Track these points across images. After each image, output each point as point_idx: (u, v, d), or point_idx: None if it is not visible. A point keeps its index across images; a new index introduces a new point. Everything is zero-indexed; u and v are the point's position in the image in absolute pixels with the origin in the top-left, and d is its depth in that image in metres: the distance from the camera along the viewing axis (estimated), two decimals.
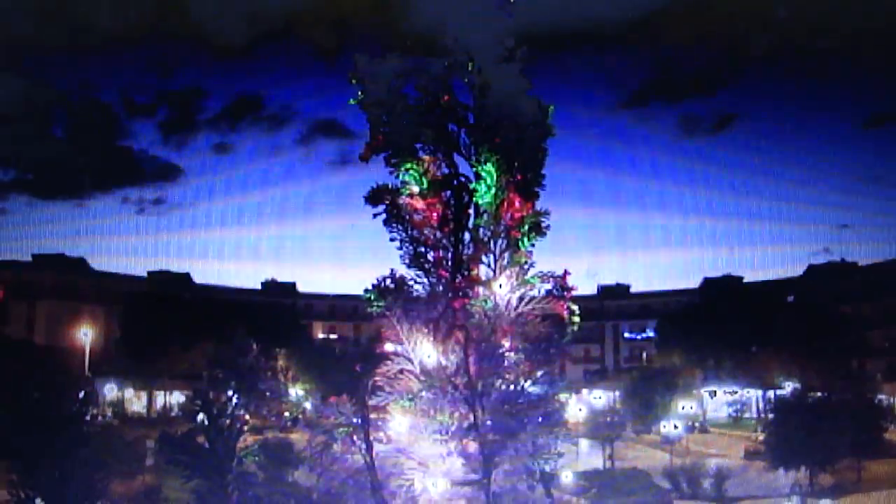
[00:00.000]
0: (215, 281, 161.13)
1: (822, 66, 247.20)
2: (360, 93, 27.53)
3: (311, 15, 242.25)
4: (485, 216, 26.98)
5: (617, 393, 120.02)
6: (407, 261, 27.59)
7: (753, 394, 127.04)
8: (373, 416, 27.45)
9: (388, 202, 27.59)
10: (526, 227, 26.85)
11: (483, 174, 26.58)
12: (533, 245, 27.07)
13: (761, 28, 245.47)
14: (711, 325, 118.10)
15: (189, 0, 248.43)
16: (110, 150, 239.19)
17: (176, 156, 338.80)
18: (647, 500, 64.89)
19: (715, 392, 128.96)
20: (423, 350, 26.58)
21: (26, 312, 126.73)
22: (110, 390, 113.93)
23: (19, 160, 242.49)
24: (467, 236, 27.34)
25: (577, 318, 27.42)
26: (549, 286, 27.23)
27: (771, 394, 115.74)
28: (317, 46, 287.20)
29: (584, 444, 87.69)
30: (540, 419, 26.75)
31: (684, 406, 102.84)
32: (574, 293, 27.41)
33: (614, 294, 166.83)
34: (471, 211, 27.37)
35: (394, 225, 27.63)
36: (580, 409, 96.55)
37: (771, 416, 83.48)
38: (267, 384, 39.97)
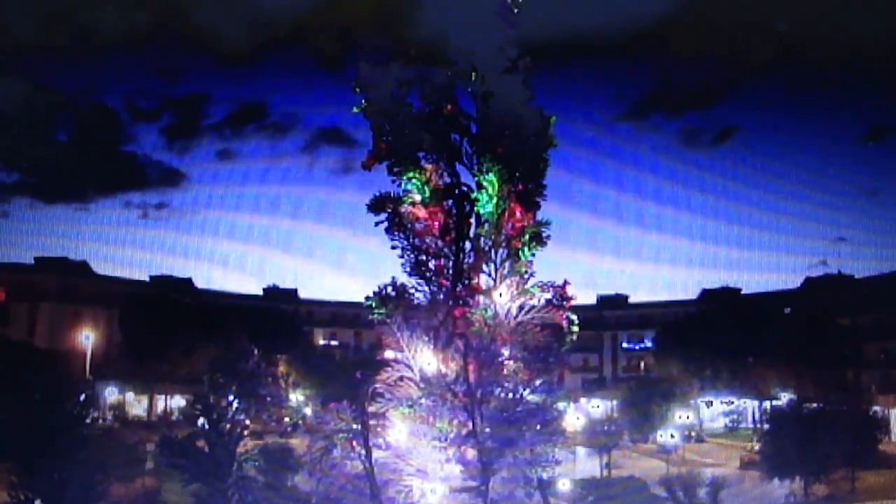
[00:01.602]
0: (217, 286, 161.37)
1: (821, 79, 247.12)
2: (363, 101, 27.71)
3: (315, 23, 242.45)
4: (486, 226, 27.14)
5: (615, 402, 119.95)
6: (408, 269, 27.79)
7: (750, 404, 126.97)
8: (372, 422, 27.63)
9: (390, 210, 27.76)
10: (526, 237, 27.02)
11: (485, 184, 26.75)
12: (533, 255, 27.23)
13: (761, 41, 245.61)
14: (709, 336, 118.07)
15: (194, 6, 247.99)
16: (114, 155, 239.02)
17: (179, 161, 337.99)
18: None
19: (712, 402, 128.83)
20: (423, 357, 26.77)
21: (28, 315, 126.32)
22: (111, 393, 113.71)
23: (23, 163, 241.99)
24: (468, 245, 27.51)
25: (575, 328, 27.59)
26: (548, 296, 27.39)
27: (767, 404, 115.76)
28: (321, 54, 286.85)
29: (581, 452, 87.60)
30: (538, 427, 26.91)
31: (681, 416, 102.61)
32: (573, 303, 27.60)
33: (613, 304, 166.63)
34: (472, 220, 27.54)
35: (395, 233, 27.79)
36: (578, 418, 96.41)
37: (767, 426, 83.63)
38: (267, 389, 40.16)
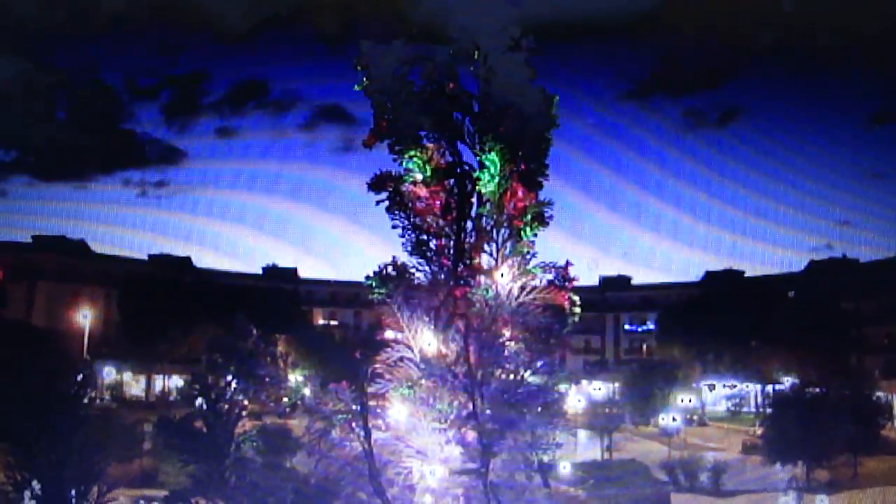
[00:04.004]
0: (216, 265, 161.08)
1: (827, 61, 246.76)
2: (364, 79, 27.40)
3: (316, 0, 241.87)
4: (488, 205, 26.88)
5: (616, 384, 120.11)
6: (409, 248, 27.55)
7: (752, 388, 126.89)
8: (372, 403, 27.46)
9: (391, 189, 27.52)
10: (528, 217, 26.74)
11: (487, 163, 26.47)
12: (535, 235, 26.96)
13: (767, 22, 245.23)
14: (712, 319, 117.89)
15: None
16: (113, 133, 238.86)
17: (179, 139, 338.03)
18: (644, 493, 64.88)
19: (714, 385, 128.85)
20: (423, 338, 26.57)
21: (26, 294, 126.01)
22: (109, 373, 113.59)
23: (21, 141, 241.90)
24: (470, 225, 27.26)
25: (577, 309, 27.36)
26: (550, 276, 27.16)
27: (770, 388, 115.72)
28: (322, 32, 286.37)
29: (582, 435, 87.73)
30: (539, 409, 26.76)
31: (683, 399, 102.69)
32: (575, 284, 27.35)
33: (615, 285, 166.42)
34: (474, 200, 27.29)
35: (396, 212, 27.56)
36: (579, 400, 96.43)
37: (769, 410, 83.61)
38: (266, 370, 39.95)
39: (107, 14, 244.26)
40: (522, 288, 26.77)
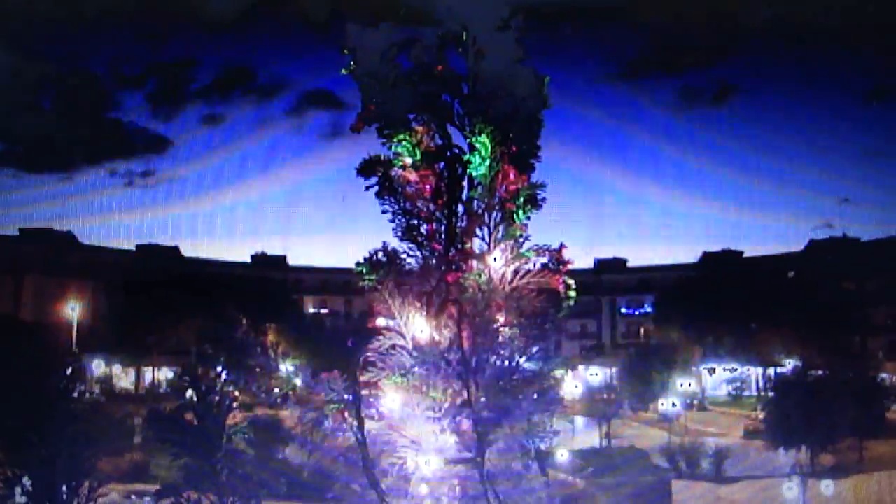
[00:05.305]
0: (204, 254, 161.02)
1: (825, 37, 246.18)
2: (351, 63, 26.87)
3: None
4: (479, 188, 26.31)
5: (614, 370, 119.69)
6: (399, 234, 26.99)
7: (753, 371, 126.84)
8: (364, 392, 26.96)
9: (380, 174, 26.97)
10: (521, 200, 26.19)
11: (477, 145, 25.91)
12: (528, 218, 26.42)
13: None
14: (710, 301, 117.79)
15: None
16: (99, 122, 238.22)
17: (165, 127, 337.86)
18: (644, 480, 64.55)
19: (714, 369, 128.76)
20: (415, 325, 26.07)
21: (13, 287, 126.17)
22: (98, 366, 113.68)
23: (6, 132, 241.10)
24: (461, 209, 26.74)
25: (573, 293, 26.81)
26: (544, 260, 26.61)
27: (771, 371, 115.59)
28: (308, 16, 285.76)
29: (580, 421, 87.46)
30: (535, 396, 26.23)
31: (682, 383, 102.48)
32: (570, 267, 26.82)
33: (611, 268, 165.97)
34: (465, 183, 26.74)
35: (386, 197, 27.02)
36: (576, 386, 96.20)
37: (771, 394, 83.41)
38: (257, 360, 39.75)
39: (91, 2, 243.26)
40: (516, 272, 26.23)
